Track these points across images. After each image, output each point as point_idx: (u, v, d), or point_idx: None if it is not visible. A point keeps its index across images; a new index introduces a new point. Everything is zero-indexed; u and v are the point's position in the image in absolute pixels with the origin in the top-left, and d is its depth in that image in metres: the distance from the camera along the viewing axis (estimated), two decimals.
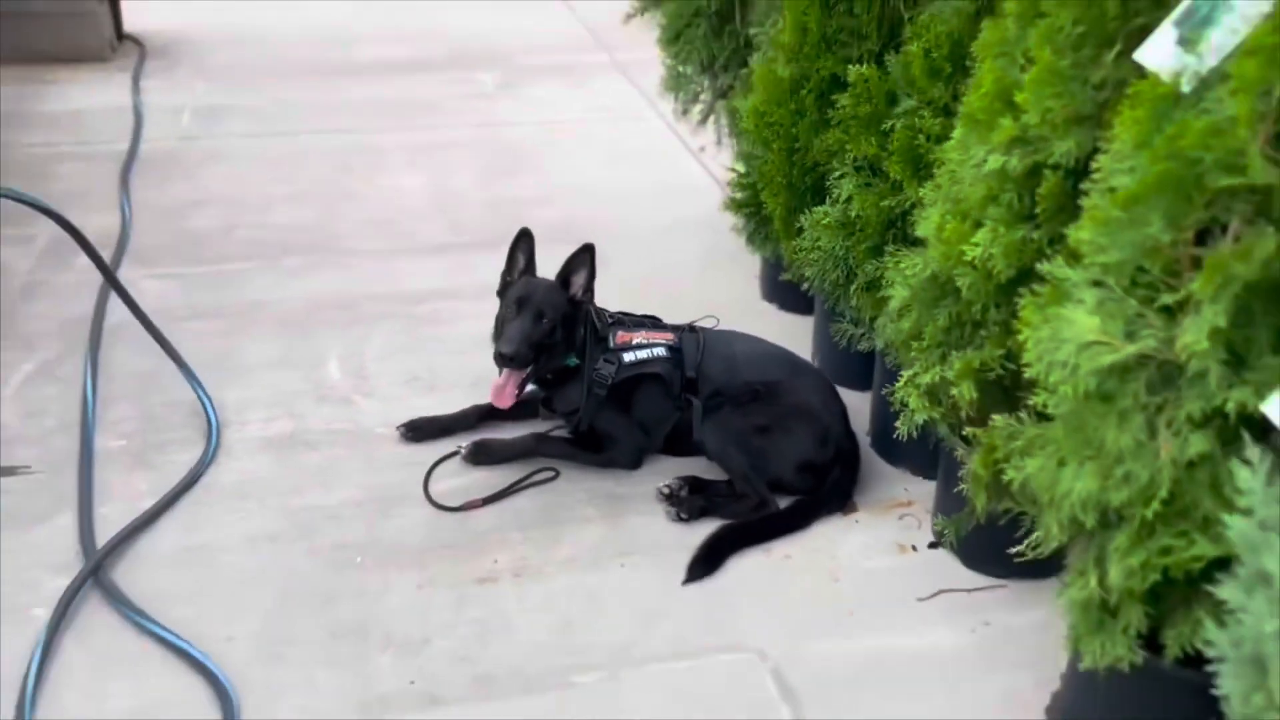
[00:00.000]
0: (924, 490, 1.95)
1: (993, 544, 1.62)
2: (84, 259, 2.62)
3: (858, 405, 2.12)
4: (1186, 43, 1.13)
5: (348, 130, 3.60)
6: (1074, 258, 1.25)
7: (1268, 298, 1.09)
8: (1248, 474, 0.94)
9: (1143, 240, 1.15)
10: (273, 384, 2.23)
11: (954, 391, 1.46)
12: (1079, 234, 1.20)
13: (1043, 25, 1.27)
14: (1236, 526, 0.96)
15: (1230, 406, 1.09)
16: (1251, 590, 0.95)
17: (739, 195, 2.24)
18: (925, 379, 1.53)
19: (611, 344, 2.00)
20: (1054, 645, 1.55)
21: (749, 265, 2.68)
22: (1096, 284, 1.22)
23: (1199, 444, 1.12)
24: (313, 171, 3.27)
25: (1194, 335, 1.09)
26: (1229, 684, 1.00)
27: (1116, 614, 1.23)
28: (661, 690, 1.55)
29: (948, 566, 1.80)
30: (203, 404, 2.11)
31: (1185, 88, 1.13)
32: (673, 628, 1.66)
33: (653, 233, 2.87)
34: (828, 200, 1.87)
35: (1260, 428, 1.08)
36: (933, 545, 1.85)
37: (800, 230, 1.93)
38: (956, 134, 1.47)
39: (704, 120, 2.62)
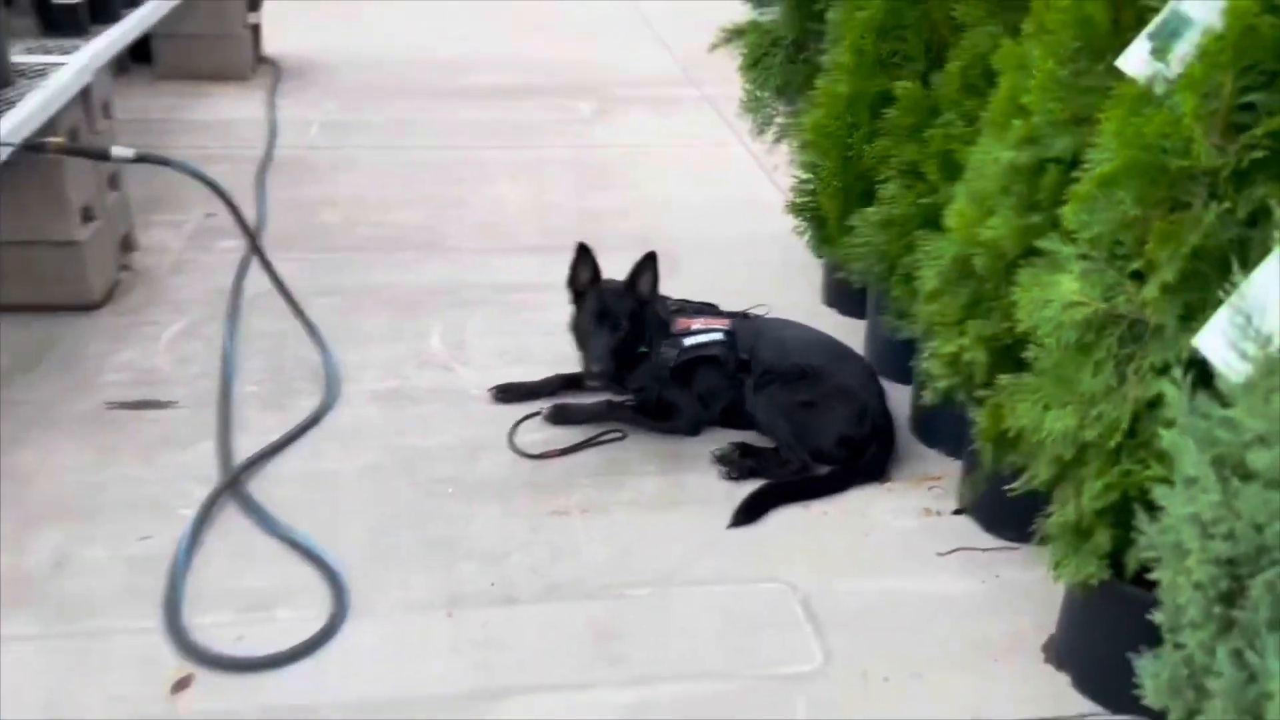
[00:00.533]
0: (953, 468, 2.16)
1: (1009, 511, 1.83)
2: (225, 242, 3.03)
3: (901, 396, 2.35)
4: (1158, 52, 1.36)
5: (458, 147, 3.96)
6: (1068, 236, 1.49)
7: (1216, 264, 1.30)
8: (1174, 391, 1.16)
9: (1118, 215, 1.37)
10: (383, 351, 2.55)
11: (967, 358, 1.69)
12: (1067, 211, 1.43)
13: (1047, 40, 1.51)
14: (1167, 436, 1.17)
15: (1183, 355, 1.30)
16: (1175, 487, 1.16)
17: (799, 200, 2.50)
18: (946, 349, 1.76)
19: (673, 330, 2.27)
20: (1055, 598, 1.75)
21: (812, 275, 2.93)
22: (1083, 256, 1.45)
23: (1158, 386, 1.33)
24: (425, 181, 3.63)
25: (1150, 291, 1.31)
26: (1160, 574, 1.21)
27: (1089, 536, 1.44)
28: (703, 607, 1.80)
29: (968, 530, 2.01)
30: (325, 361, 2.44)
31: (1157, 90, 1.36)
32: (716, 561, 1.91)
33: (725, 244, 3.13)
34: (875, 202, 2.12)
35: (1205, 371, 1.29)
36: (956, 512, 2.05)
37: (851, 229, 2.18)
38: (981, 138, 1.72)
39: (778, 140, 2.89)
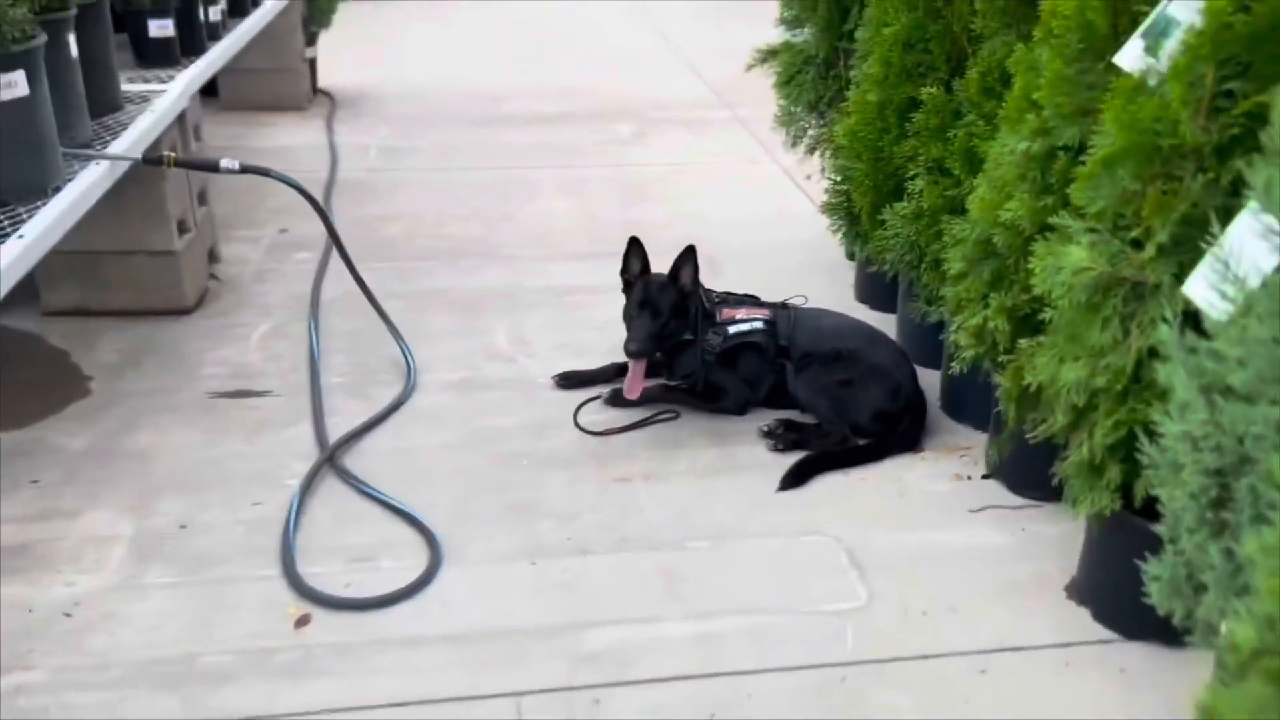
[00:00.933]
0: (981, 439, 2.36)
1: (1034, 473, 2.03)
2: (300, 254, 3.30)
3: (931, 378, 2.55)
4: (1149, 49, 1.58)
5: (506, 168, 4.22)
6: (1078, 213, 1.70)
7: (1204, 227, 1.50)
8: (1167, 331, 1.36)
9: (1118, 191, 1.58)
10: (453, 346, 2.78)
11: (991, 326, 1.90)
12: (1075, 190, 1.64)
13: (1055, 44, 1.73)
14: (1162, 370, 1.38)
15: (1178, 309, 1.51)
16: (1171, 413, 1.36)
17: (833, 201, 2.73)
18: (972, 322, 1.98)
19: (718, 319, 2.49)
20: (1077, 546, 1.95)
21: (845, 275, 3.15)
22: (1090, 229, 1.66)
23: (1157, 336, 1.53)
24: (478, 198, 3.88)
25: (1148, 253, 1.52)
26: (1161, 491, 1.41)
27: (1101, 472, 1.64)
28: (756, 556, 2.00)
29: (996, 491, 2.20)
30: (404, 354, 2.67)
31: (1150, 81, 1.57)
32: (766, 519, 2.12)
33: (760, 249, 3.35)
34: (904, 198, 2.34)
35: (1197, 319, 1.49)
36: (985, 476, 2.25)
37: (883, 223, 2.40)
38: (999, 133, 1.94)
39: (810, 151, 3.12)
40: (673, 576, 1.94)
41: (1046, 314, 1.72)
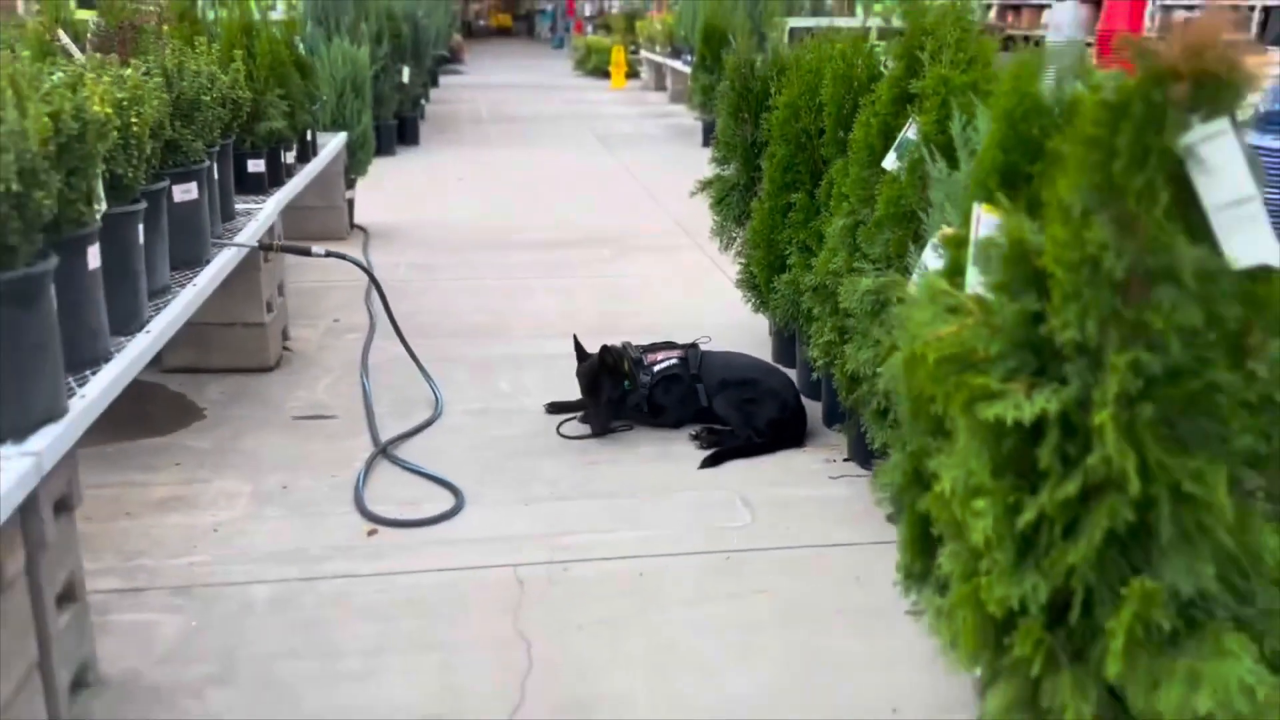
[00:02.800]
0: (844, 440, 3.30)
1: (874, 456, 2.97)
2: (350, 335, 4.30)
3: (813, 407, 3.52)
4: (899, 157, 2.61)
5: (510, 278, 5.28)
6: (866, 258, 2.70)
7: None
8: (866, 281, 2.34)
9: (885, 240, 2.60)
10: (470, 391, 3.75)
11: (828, 340, 2.89)
12: (863, 244, 2.66)
13: (853, 158, 2.78)
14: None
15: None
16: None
17: (743, 277, 3.76)
18: (821, 341, 2.96)
19: (645, 363, 3.46)
20: None
21: (767, 344, 4.15)
22: (874, 265, 2.66)
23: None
24: (489, 298, 4.92)
25: (900, 275, 2.53)
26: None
27: (885, 414, 2.59)
28: (679, 501, 2.92)
29: (851, 468, 3.14)
30: (434, 391, 3.64)
31: (898, 174, 2.60)
32: (690, 483, 3.04)
33: (707, 327, 4.35)
34: (786, 271, 3.36)
35: None
36: (845, 459, 3.19)
37: (774, 289, 3.42)
38: (832, 217, 2.97)
39: (737, 252, 4.17)
40: (621, 511, 2.87)
41: (852, 321, 2.71)
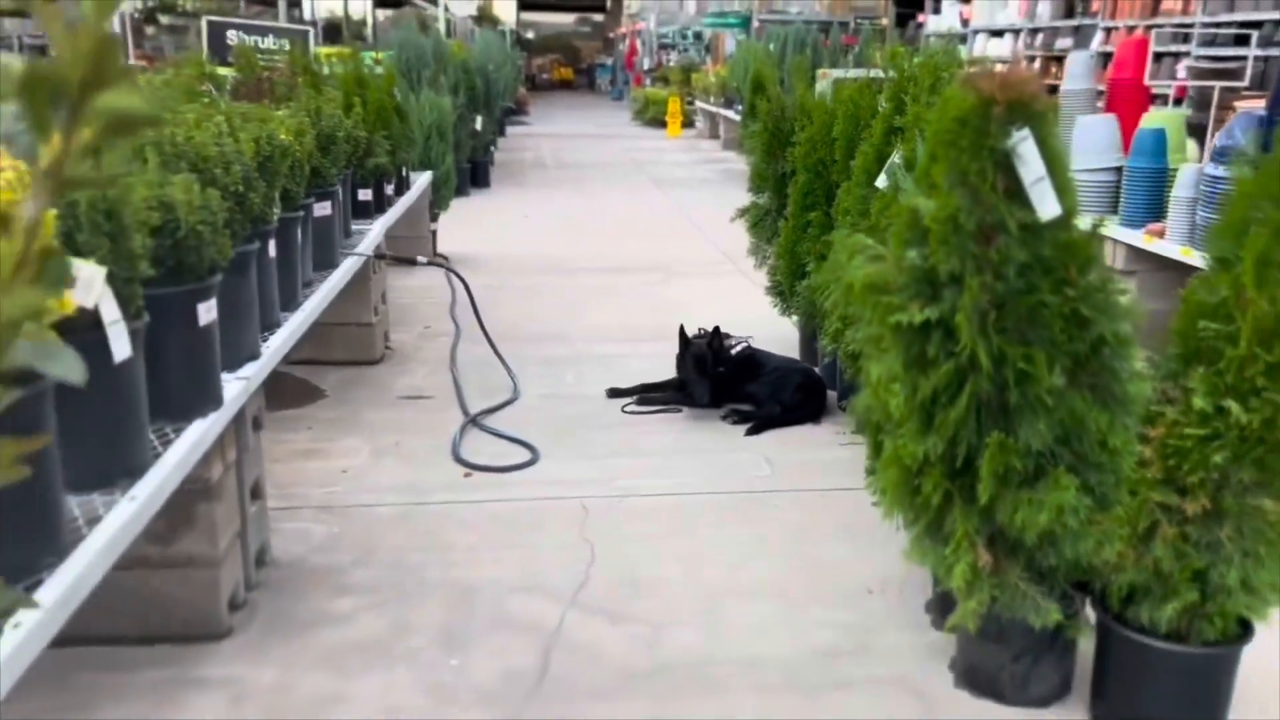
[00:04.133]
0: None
1: None
2: (440, 340, 5.05)
3: (831, 395, 4.18)
4: (887, 177, 3.29)
5: (573, 298, 6.03)
6: None
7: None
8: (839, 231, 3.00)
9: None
10: (541, 382, 4.46)
11: (837, 328, 3.55)
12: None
13: (854, 181, 3.46)
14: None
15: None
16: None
17: (772, 284, 4.44)
18: (831, 329, 3.62)
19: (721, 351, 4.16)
20: None
21: (797, 347, 4.82)
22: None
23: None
24: (554, 312, 5.66)
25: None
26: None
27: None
28: (712, 459, 3.60)
29: (858, 439, 3.78)
30: (512, 379, 4.36)
31: (885, 189, 3.28)
32: (726, 446, 3.72)
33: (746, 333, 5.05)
34: (807, 277, 4.04)
35: None
36: (854, 432, 3.83)
37: (795, 294, 4.10)
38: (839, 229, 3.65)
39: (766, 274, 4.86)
40: (666, 465, 3.56)
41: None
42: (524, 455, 3.61)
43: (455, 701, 2.26)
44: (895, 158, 3.27)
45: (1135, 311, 1.95)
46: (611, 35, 36.51)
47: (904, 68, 3.33)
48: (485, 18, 25.28)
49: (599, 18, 43.64)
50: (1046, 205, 1.80)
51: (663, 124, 18.27)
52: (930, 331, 1.93)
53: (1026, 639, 2.18)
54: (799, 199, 4.12)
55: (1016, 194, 1.83)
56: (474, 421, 3.93)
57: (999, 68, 1.80)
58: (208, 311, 2.28)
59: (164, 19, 21.26)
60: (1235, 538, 1.98)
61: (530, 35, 33.54)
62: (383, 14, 41.50)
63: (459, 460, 3.55)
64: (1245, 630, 2.06)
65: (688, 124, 18.14)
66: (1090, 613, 2.19)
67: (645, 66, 25.86)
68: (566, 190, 11.00)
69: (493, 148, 12.61)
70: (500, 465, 3.51)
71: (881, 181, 3.32)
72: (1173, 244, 4.21)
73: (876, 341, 2.14)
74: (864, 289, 2.02)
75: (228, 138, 2.60)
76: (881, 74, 5.55)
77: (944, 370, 1.93)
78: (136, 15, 19.90)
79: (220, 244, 2.27)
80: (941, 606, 2.51)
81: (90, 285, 1.65)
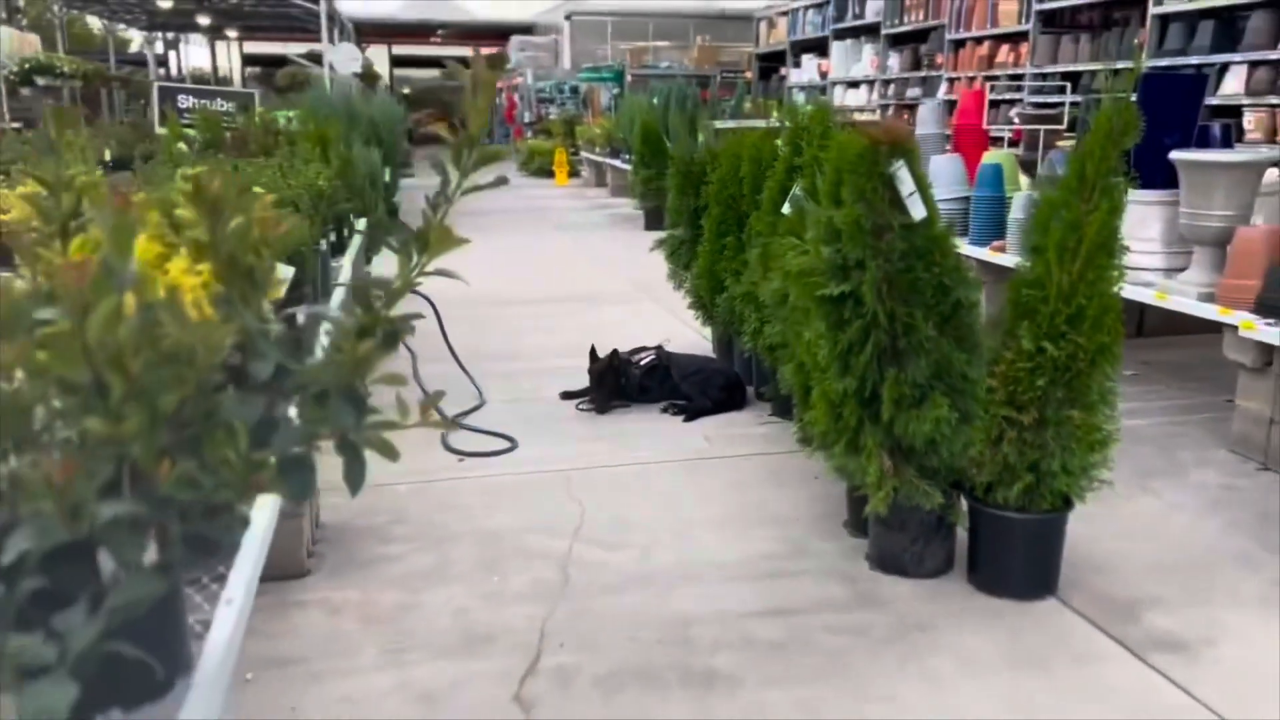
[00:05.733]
0: (770, 405, 4.81)
1: (791, 412, 4.47)
2: (400, 360, 5.73)
3: (750, 390, 5.03)
4: (789, 205, 4.17)
5: (515, 325, 6.76)
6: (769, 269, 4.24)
7: None
8: (776, 282, 3.85)
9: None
10: (501, 391, 5.18)
11: (755, 328, 4.40)
12: (758, 255, 4.20)
13: (762, 209, 4.34)
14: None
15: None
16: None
17: (694, 300, 5.30)
18: (749, 329, 4.47)
19: (633, 361, 4.96)
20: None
21: (710, 354, 5.67)
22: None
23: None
24: (498, 335, 6.38)
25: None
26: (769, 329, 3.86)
27: (774, 349, 4.09)
28: (660, 441, 4.39)
29: (774, 420, 4.63)
30: (476, 388, 5.07)
31: (790, 213, 4.16)
32: (668, 431, 4.51)
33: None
34: (724, 290, 4.89)
35: None
36: (771, 414, 4.68)
37: (716, 305, 4.95)
38: (750, 249, 4.51)
39: (686, 292, 5.71)
40: (624, 445, 4.33)
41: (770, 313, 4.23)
42: (505, 445, 4.33)
43: (504, 603, 2.98)
44: (796, 189, 4.16)
45: (979, 284, 2.84)
46: None
47: (799, 119, 4.23)
48: (369, 75, 25.83)
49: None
50: (917, 211, 2.68)
51: (549, 174, 19.16)
52: (844, 301, 2.78)
53: (920, 527, 3.03)
54: (714, 228, 4.99)
55: (897, 204, 2.71)
56: (455, 421, 4.62)
57: (880, 119, 2.68)
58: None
59: (41, 80, 21.16)
60: (1056, 438, 2.88)
61: (406, 90, 34.15)
62: (249, 70, 41.40)
63: (450, 449, 4.25)
64: (1067, 503, 2.96)
65: (573, 173, 19.07)
66: (964, 503, 3.06)
67: (526, 119, 26.79)
68: (479, 234, 11.32)
69: (396, 199, 13.25)
70: (489, 450, 4.22)
71: (785, 209, 4.20)
72: (1012, 256, 5.24)
73: (806, 312, 2.99)
74: (797, 274, 2.86)
75: (286, 183, 3.30)
76: (755, 124, 6.56)
77: (855, 328, 2.78)
78: (11, 77, 19.83)
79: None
80: (855, 523, 3.36)
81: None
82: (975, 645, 2.73)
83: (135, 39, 33.83)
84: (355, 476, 1.38)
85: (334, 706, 2.48)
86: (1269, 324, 3.81)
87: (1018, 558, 2.98)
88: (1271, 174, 4.47)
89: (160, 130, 6.56)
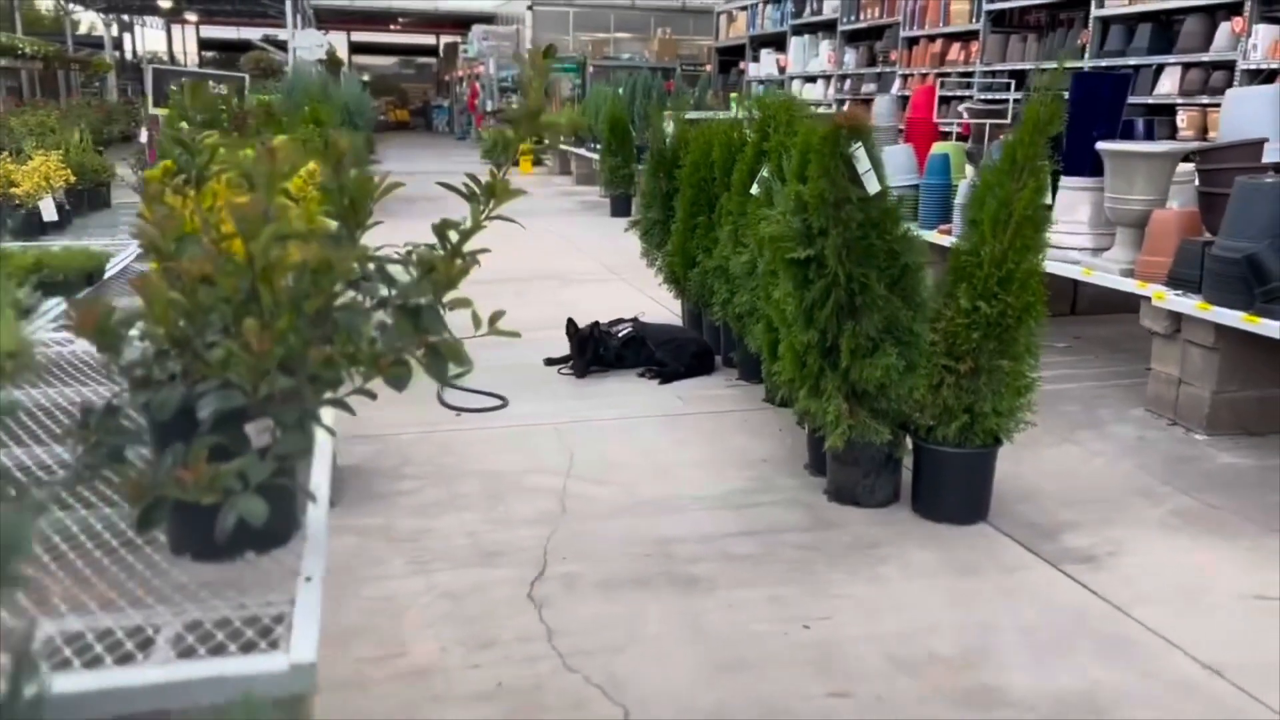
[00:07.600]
0: (736, 370, 5.26)
1: (757, 376, 4.92)
2: None
3: (718, 356, 5.48)
4: (758, 185, 4.61)
5: (490, 299, 7.13)
6: (740, 244, 4.68)
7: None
8: (745, 257, 4.29)
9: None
10: (485, 358, 5.57)
11: (725, 299, 4.84)
12: (728, 229, 4.64)
13: (733, 190, 4.78)
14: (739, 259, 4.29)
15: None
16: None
17: (666, 275, 5.73)
18: (719, 300, 4.91)
19: (610, 331, 5.39)
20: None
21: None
22: (743, 245, 4.64)
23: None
24: (483, 312, 6.77)
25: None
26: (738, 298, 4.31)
27: (744, 319, 4.54)
28: (638, 400, 4.83)
29: (742, 383, 5.08)
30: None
31: (759, 194, 4.60)
32: (645, 392, 4.95)
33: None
34: (697, 266, 5.33)
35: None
36: (738, 379, 5.13)
37: (689, 279, 5.39)
38: (721, 227, 4.95)
39: (658, 269, 6.14)
40: (608, 402, 4.77)
41: (739, 284, 4.68)
42: (496, 403, 4.74)
43: (511, 526, 3.40)
44: (764, 171, 4.61)
45: (925, 249, 3.31)
46: (447, 78, 37.45)
47: (767, 108, 4.68)
48: (333, 61, 25.94)
49: (424, 60, 44.56)
50: (872, 186, 3.13)
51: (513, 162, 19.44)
52: (809, 264, 3.24)
53: (871, 462, 3.49)
54: (687, 208, 5.42)
55: (856, 180, 3.16)
56: (449, 383, 5.01)
57: (841, 109, 3.13)
58: None
59: (1, 61, 21.07)
60: (988, 384, 3.35)
61: (365, 78, 34.17)
62: (206, 55, 41.02)
63: (446, 404, 4.65)
64: (997, 440, 3.44)
65: (538, 162, 19.41)
66: (909, 442, 3.53)
67: (488, 108, 27.04)
68: (449, 217, 12.01)
69: None
70: (482, 406, 4.63)
71: (754, 190, 4.65)
72: (957, 238, 5.74)
73: (774, 274, 3.43)
74: (770, 239, 3.30)
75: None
76: (716, 114, 7.00)
77: (818, 287, 3.23)
78: None
79: None
80: (815, 464, 3.82)
81: None
82: (919, 558, 3.20)
83: (85, 21, 33.50)
84: (441, 370, 1.81)
85: (378, 603, 2.89)
86: (1178, 295, 4.34)
87: (955, 488, 3.46)
88: (1185, 165, 5.00)
89: (155, 111, 6.86)
